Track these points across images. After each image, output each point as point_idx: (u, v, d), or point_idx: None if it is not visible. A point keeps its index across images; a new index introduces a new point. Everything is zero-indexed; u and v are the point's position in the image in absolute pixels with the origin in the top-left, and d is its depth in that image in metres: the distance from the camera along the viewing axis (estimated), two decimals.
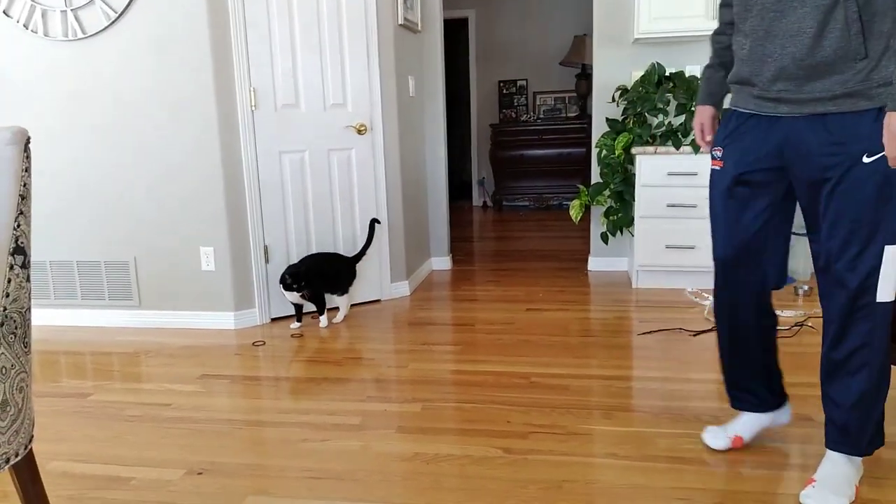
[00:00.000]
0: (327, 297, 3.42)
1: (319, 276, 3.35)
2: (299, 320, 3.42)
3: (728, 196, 1.83)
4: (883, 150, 1.54)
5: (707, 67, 1.99)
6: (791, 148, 1.69)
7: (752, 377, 1.97)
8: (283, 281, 3.28)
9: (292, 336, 3.26)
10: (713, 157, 1.88)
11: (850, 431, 1.73)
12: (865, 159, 1.56)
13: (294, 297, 3.31)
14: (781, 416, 2.04)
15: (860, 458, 1.79)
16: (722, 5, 1.92)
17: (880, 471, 1.85)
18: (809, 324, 3.13)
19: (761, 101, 1.72)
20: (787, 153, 1.70)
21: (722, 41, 1.93)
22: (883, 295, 1.62)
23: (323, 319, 3.40)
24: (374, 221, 3.59)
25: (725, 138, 1.84)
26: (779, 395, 2.00)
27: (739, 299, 1.89)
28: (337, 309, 3.49)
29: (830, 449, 1.78)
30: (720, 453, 1.98)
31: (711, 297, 3.50)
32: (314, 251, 3.58)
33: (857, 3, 1.52)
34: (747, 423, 2.02)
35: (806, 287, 3.63)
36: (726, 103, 1.95)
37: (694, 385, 2.49)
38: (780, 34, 1.62)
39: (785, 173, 1.74)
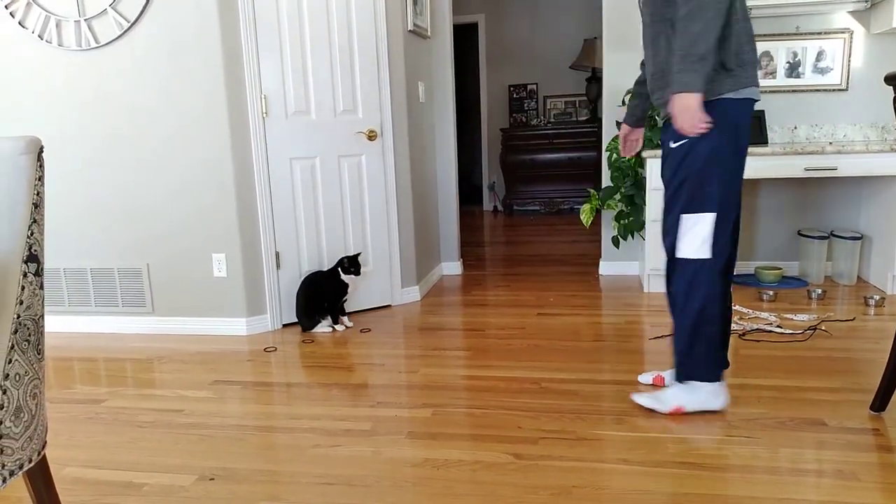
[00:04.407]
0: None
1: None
2: (336, 322, 3.48)
3: None
4: (684, 139, 2.04)
5: (629, 96, 2.69)
6: None
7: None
8: (341, 265, 3.40)
9: (304, 342, 3.28)
10: None
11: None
12: (672, 144, 2.12)
13: (349, 280, 3.42)
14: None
15: (687, 385, 2.24)
16: None
17: (895, 476, 1.83)
18: (823, 327, 3.11)
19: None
20: None
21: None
22: (682, 252, 2.14)
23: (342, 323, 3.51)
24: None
25: None
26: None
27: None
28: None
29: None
30: (731, 459, 1.97)
31: None
32: (325, 257, 3.59)
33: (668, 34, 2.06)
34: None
35: (819, 290, 3.61)
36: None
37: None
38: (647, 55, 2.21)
39: None
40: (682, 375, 2.25)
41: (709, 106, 2.00)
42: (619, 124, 4.05)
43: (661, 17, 2.06)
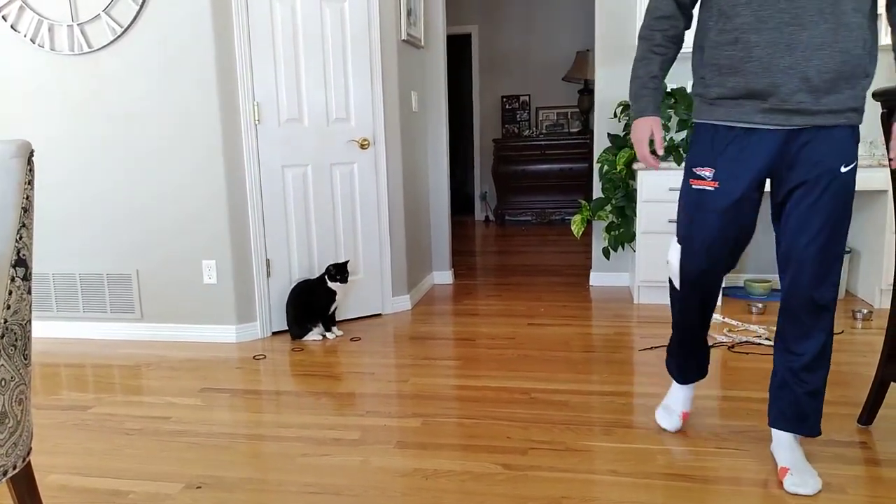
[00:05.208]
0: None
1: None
2: (328, 330, 3.47)
3: (724, 215, 1.87)
4: (854, 162, 1.77)
5: (653, 78, 1.94)
6: (782, 158, 1.79)
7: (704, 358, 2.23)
8: (328, 272, 3.38)
9: (293, 350, 3.26)
10: (701, 178, 1.87)
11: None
12: (843, 169, 1.75)
13: (337, 288, 3.41)
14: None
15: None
16: (668, 17, 1.90)
17: (882, 490, 1.84)
18: None
19: (772, 114, 1.74)
20: (777, 163, 1.80)
21: (667, 53, 1.95)
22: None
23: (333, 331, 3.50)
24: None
25: (720, 157, 1.83)
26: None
27: (707, 301, 2.09)
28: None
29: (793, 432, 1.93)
30: (720, 472, 1.97)
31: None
32: (316, 264, 3.58)
33: (870, 27, 1.67)
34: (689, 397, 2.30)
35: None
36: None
37: (694, 401, 2.47)
38: (801, 47, 1.66)
39: (764, 181, 1.86)
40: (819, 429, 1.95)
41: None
42: (621, 135, 4.06)
43: (862, 10, 1.66)
